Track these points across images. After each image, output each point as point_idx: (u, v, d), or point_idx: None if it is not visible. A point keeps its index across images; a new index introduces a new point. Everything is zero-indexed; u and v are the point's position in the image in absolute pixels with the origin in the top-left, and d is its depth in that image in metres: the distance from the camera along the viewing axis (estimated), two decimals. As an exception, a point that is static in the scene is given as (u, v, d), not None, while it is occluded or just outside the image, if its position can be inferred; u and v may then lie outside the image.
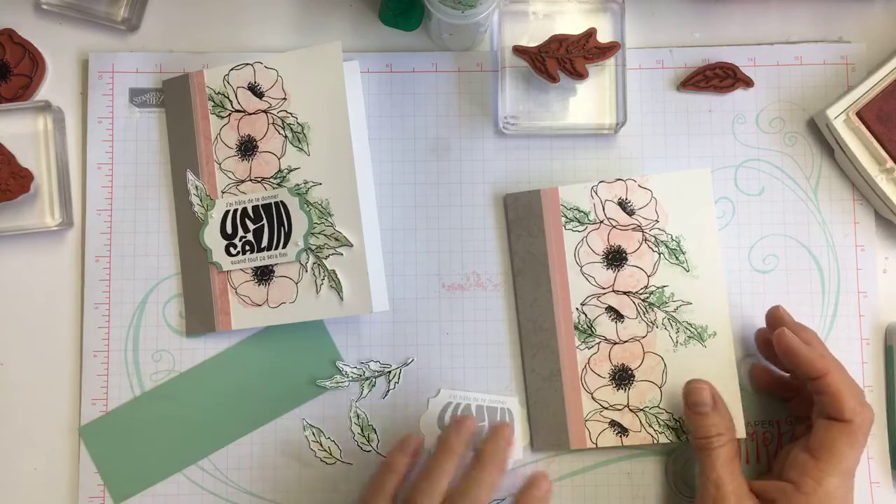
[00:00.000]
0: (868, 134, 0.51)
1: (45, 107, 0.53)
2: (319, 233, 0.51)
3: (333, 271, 0.51)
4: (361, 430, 0.52)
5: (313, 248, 0.51)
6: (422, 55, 0.55)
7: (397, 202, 0.54)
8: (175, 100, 0.54)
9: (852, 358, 0.53)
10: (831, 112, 0.51)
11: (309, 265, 0.51)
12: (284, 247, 0.51)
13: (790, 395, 0.51)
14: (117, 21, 0.54)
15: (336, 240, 0.51)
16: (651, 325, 0.52)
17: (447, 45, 0.54)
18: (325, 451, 0.52)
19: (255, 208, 0.52)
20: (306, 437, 0.52)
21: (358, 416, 0.52)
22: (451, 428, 0.47)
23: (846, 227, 0.54)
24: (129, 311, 0.53)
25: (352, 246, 0.51)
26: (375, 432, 0.52)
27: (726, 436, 0.46)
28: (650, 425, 0.51)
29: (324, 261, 0.51)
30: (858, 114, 0.51)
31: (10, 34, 0.54)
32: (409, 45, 0.55)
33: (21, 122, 0.53)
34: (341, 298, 0.51)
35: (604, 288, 0.52)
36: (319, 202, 0.51)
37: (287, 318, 0.51)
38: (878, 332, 0.53)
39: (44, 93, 0.55)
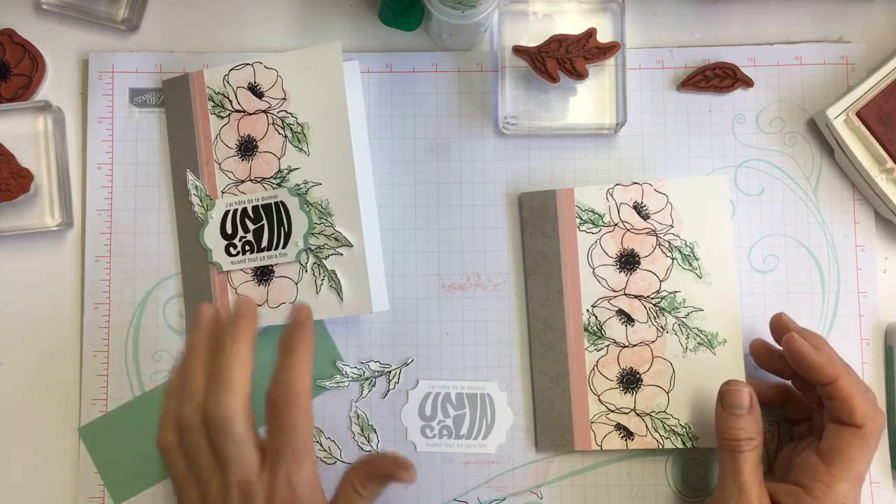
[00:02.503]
0: (868, 134, 0.51)
1: (45, 107, 0.53)
2: (319, 233, 0.51)
3: (333, 271, 0.51)
4: (361, 430, 0.52)
5: (313, 248, 0.51)
6: (422, 55, 0.55)
7: (397, 202, 0.54)
8: (175, 100, 0.54)
9: (852, 358, 0.52)
10: (831, 112, 0.51)
11: (309, 265, 0.51)
12: (284, 247, 0.51)
13: (783, 402, 0.51)
14: (117, 21, 0.54)
15: (336, 240, 0.51)
16: (661, 329, 0.52)
17: (447, 45, 0.54)
18: (325, 451, 0.52)
19: (255, 208, 0.52)
20: (306, 437, 0.52)
21: (358, 416, 0.52)
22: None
23: (846, 227, 0.54)
24: (129, 311, 0.53)
25: (352, 246, 0.51)
26: (375, 432, 0.52)
27: (756, 440, 0.45)
28: (656, 430, 0.51)
29: (324, 261, 0.51)
30: (858, 114, 0.51)
31: (10, 34, 0.54)
32: (409, 45, 0.55)
33: (21, 122, 0.53)
34: (341, 299, 0.51)
35: (615, 291, 0.52)
36: (319, 202, 0.51)
37: (287, 319, 0.51)
38: (878, 332, 0.53)
39: (44, 93, 0.55)
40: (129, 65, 0.54)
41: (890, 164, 0.51)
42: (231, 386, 0.41)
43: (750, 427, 0.45)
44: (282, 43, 0.55)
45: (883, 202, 0.52)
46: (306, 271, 0.51)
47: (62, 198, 0.53)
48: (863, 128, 0.51)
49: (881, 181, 0.51)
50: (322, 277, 0.51)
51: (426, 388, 0.53)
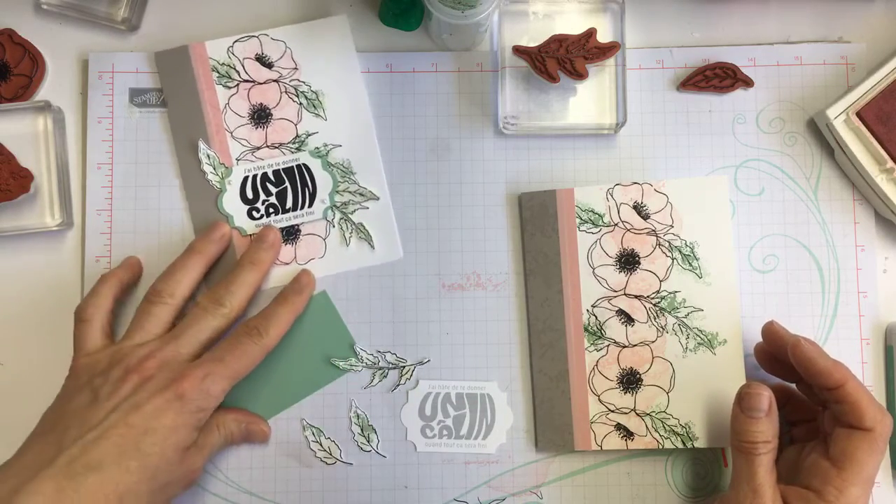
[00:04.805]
0: (868, 134, 0.51)
1: (45, 107, 0.53)
2: (344, 190, 0.53)
3: (361, 224, 0.53)
4: (361, 430, 0.52)
5: (338, 204, 0.53)
6: (422, 55, 0.55)
7: (397, 202, 0.54)
8: (172, 72, 0.54)
9: (852, 358, 0.53)
10: (831, 112, 0.51)
11: (336, 221, 0.53)
12: (311, 206, 0.53)
13: (782, 403, 0.51)
14: (117, 21, 0.54)
15: (361, 195, 0.53)
16: (661, 329, 0.52)
17: (447, 45, 0.55)
18: (325, 451, 0.52)
19: (275, 172, 0.53)
20: (306, 437, 0.52)
21: (358, 416, 0.52)
22: (203, 232, 0.52)
23: (846, 227, 0.54)
24: (129, 310, 0.53)
25: (378, 199, 0.53)
26: (375, 432, 0.52)
27: (772, 443, 0.46)
28: (656, 430, 0.51)
29: (350, 215, 0.53)
30: (858, 114, 0.51)
31: (10, 34, 0.54)
32: (409, 45, 0.55)
33: (21, 122, 0.53)
34: (372, 248, 0.53)
35: (615, 291, 0.52)
36: (341, 162, 0.53)
37: (318, 273, 0.53)
38: (878, 332, 0.53)
39: (44, 93, 0.55)
40: (129, 65, 0.54)
41: (890, 164, 0.51)
42: (236, 292, 0.49)
43: (767, 430, 0.46)
44: (282, 43, 0.55)
45: (883, 202, 0.52)
46: (333, 226, 0.53)
47: (62, 198, 0.53)
48: (863, 128, 0.51)
49: (881, 181, 0.51)
50: (350, 231, 0.53)
51: (426, 389, 0.53)
